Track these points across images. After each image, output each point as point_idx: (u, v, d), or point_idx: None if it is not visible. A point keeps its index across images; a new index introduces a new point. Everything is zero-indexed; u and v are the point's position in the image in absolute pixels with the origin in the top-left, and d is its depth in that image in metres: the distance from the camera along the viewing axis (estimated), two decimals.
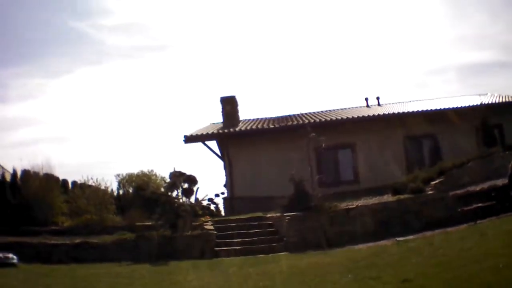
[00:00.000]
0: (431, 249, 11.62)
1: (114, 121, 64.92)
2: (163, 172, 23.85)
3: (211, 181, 33.27)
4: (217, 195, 25.78)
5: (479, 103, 26.97)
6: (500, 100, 28.24)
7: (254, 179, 24.98)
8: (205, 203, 24.01)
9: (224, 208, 25.64)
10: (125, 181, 23.13)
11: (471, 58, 65.15)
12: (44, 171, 19.96)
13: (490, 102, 27.73)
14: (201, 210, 21.28)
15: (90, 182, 21.14)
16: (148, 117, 67.98)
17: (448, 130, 25.78)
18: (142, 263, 14.54)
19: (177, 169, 21.59)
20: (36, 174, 19.68)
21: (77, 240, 15.97)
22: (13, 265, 13.89)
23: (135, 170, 23.69)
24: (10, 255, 14.15)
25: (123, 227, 18.37)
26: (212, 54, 71.31)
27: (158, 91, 68.05)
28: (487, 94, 30.83)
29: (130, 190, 22.96)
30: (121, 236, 16.63)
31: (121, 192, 23.17)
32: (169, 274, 12.45)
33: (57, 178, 21.06)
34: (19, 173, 20.28)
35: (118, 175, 23.25)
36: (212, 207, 25.53)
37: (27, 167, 20.22)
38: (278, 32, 71.84)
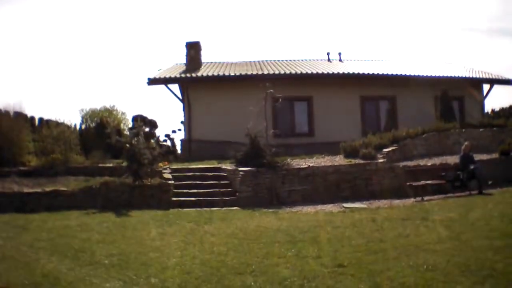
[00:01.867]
0: (373, 228, 12.16)
1: (83, 56, 64.28)
2: (124, 108, 24.58)
3: (170, 120, 34.06)
4: (174, 131, 26.59)
5: (440, 75, 27.46)
6: (464, 74, 28.57)
7: (212, 123, 25.65)
8: (161, 139, 25.13)
9: (181, 149, 26.48)
10: (88, 116, 23.80)
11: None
12: (15, 110, 20.28)
13: (452, 74, 28.01)
14: (159, 147, 22.26)
15: (57, 119, 21.75)
16: (116, 54, 67.63)
17: (407, 95, 26.40)
18: (106, 211, 15.62)
19: (139, 113, 22.52)
20: (7, 113, 19.95)
21: (48, 189, 16.79)
22: None
23: (98, 105, 24.30)
24: None
25: (86, 167, 19.37)
26: None
27: (124, 30, 67.35)
28: (451, 63, 31.39)
29: (92, 125, 23.66)
30: (87, 183, 17.52)
31: (83, 127, 23.86)
32: (134, 230, 13.34)
33: (26, 116, 21.44)
34: None
35: (82, 110, 23.87)
36: (168, 142, 26.50)
37: None
38: None
